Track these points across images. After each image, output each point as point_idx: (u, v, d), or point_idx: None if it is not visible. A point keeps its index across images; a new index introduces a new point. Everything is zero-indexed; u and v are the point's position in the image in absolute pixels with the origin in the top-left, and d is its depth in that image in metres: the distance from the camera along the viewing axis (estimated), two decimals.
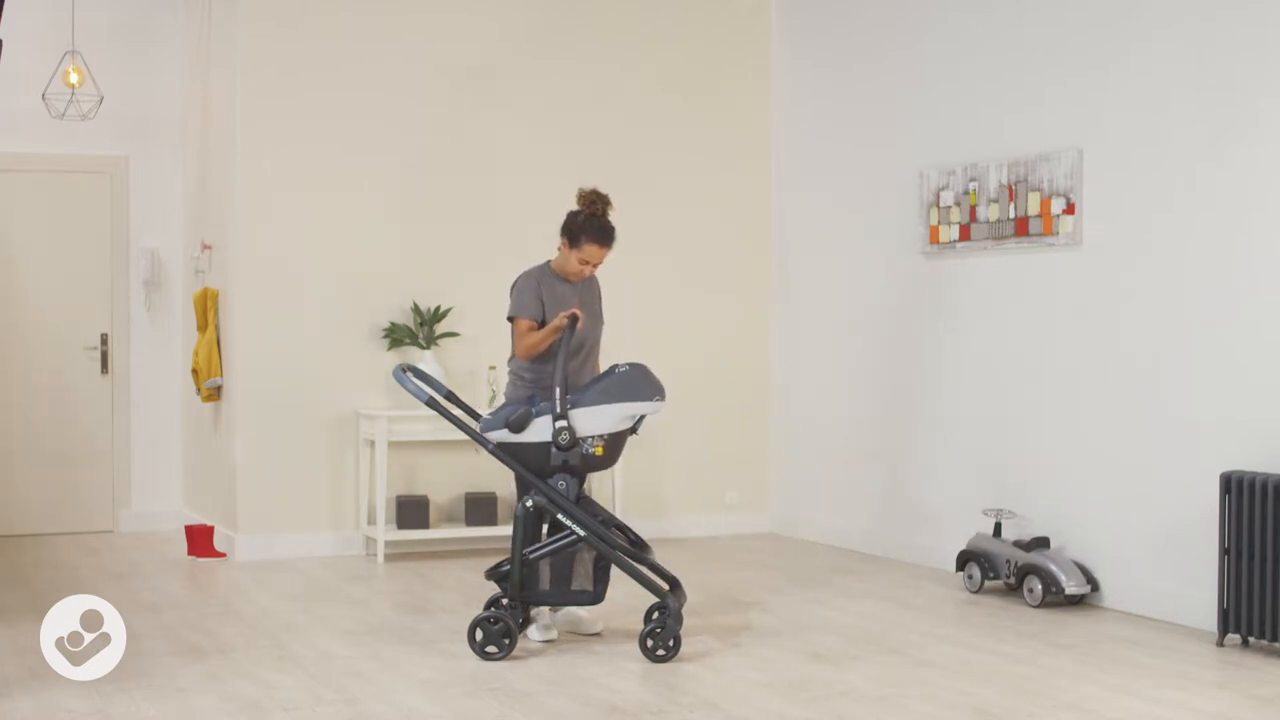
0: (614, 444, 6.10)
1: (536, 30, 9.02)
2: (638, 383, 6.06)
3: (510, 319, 6.30)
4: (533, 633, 6.25)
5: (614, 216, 9.44)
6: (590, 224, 6.23)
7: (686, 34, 9.34)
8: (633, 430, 6.15)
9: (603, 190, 6.34)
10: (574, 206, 6.34)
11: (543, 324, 6.22)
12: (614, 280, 9.09)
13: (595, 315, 6.43)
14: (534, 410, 6.03)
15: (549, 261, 6.41)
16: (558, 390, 5.97)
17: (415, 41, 8.75)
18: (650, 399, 6.07)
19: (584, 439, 6.02)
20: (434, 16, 8.79)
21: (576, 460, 6.02)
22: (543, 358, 6.21)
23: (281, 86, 8.49)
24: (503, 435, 6.06)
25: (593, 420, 6.01)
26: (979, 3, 7.88)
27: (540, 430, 6.02)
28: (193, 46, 9.43)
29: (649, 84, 9.26)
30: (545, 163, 8.98)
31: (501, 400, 8.52)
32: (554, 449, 6.00)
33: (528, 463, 6.05)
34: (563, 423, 5.97)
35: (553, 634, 6.26)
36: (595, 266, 6.30)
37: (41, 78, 9.05)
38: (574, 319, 6.09)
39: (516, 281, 6.34)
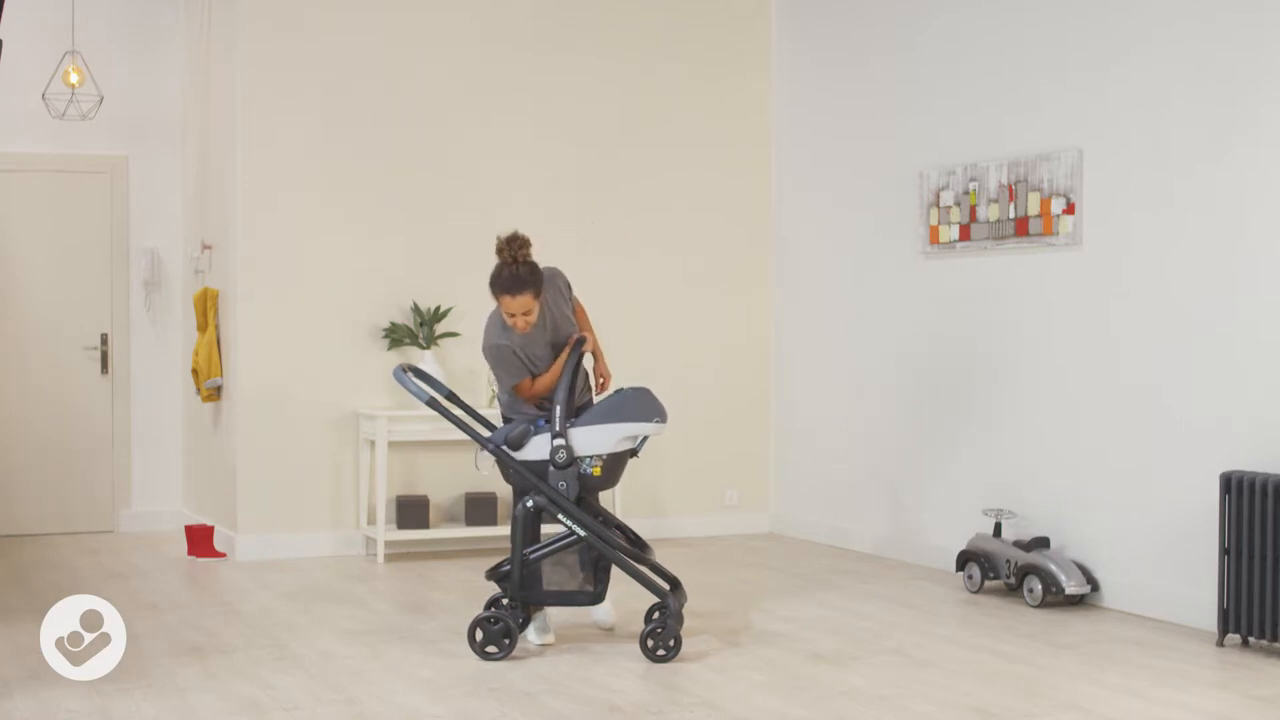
0: (613, 465, 6.08)
1: (536, 28, 9.02)
2: (639, 404, 6.05)
3: (509, 388, 6.16)
4: (530, 635, 6.25)
5: (612, 217, 9.48)
6: (497, 279, 6.02)
7: (687, 33, 9.34)
8: (633, 453, 6.14)
9: (522, 232, 6.11)
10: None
11: (532, 375, 6.12)
12: (614, 279, 9.13)
13: (565, 318, 6.24)
14: (533, 428, 6.04)
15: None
16: (558, 409, 5.98)
17: (415, 41, 8.75)
18: (650, 420, 6.05)
19: (582, 458, 6.02)
20: (434, 16, 8.79)
21: (573, 479, 6.01)
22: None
23: (281, 86, 8.49)
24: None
25: (591, 440, 6.01)
26: (979, 2, 7.87)
27: (538, 448, 6.02)
28: (193, 46, 9.43)
29: (649, 83, 9.26)
30: (547, 162, 8.99)
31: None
32: (551, 467, 6.00)
33: (524, 481, 6.06)
34: (560, 441, 5.97)
35: (549, 637, 6.25)
36: (527, 314, 5.99)
37: (41, 78, 9.05)
38: (581, 340, 6.10)
39: (487, 344, 6.16)
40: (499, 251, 6.05)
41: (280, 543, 8.47)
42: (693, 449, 9.31)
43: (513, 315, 6.01)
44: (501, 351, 6.10)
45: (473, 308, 8.78)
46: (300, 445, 8.55)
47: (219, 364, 8.82)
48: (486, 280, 6.12)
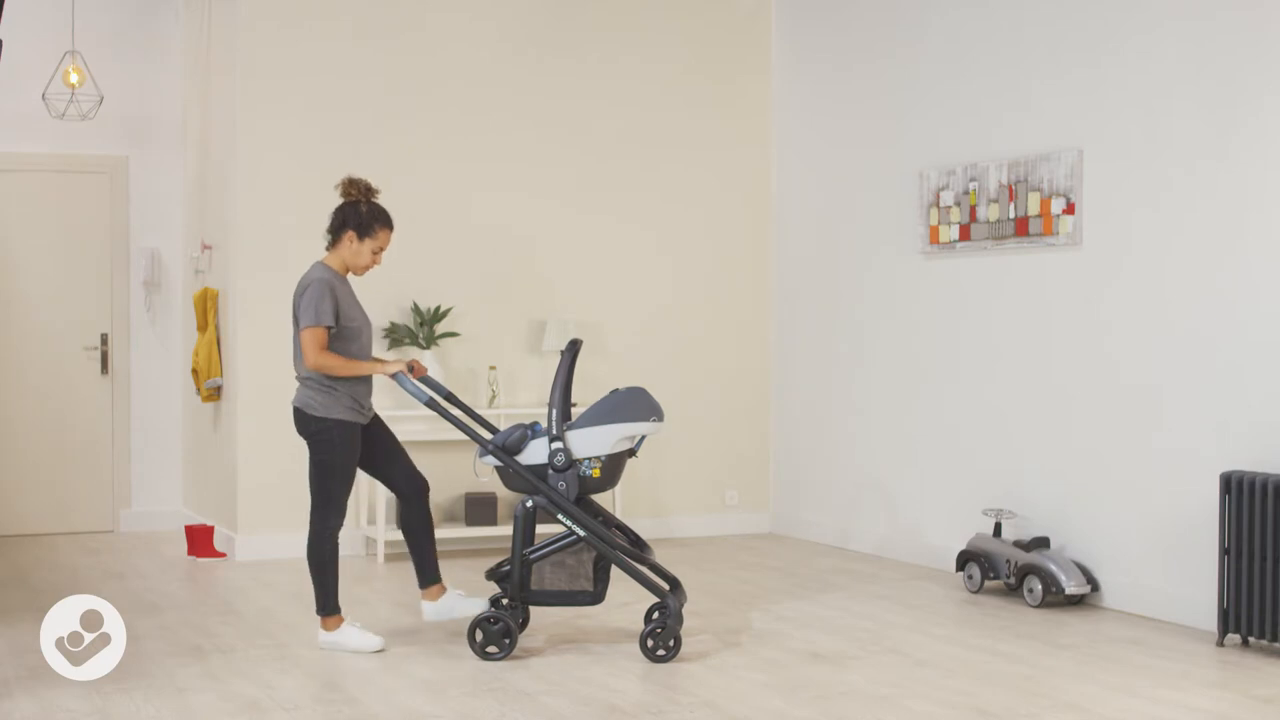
0: (612, 465, 6.08)
1: (537, 31, 9.02)
2: (635, 404, 6.05)
3: (307, 326, 6.08)
4: (358, 641, 6.10)
5: (612, 216, 9.49)
6: (377, 212, 6.16)
7: (687, 33, 9.34)
8: (632, 453, 6.14)
9: (372, 181, 6.29)
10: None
11: (337, 329, 6.06)
12: (613, 278, 9.13)
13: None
14: (530, 432, 6.05)
15: (324, 262, 6.21)
16: (554, 411, 5.98)
17: (414, 42, 8.74)
18: (648, 419, 6.04)
19: (581, 460, 6.02)
20: (434, 17, 8.79)
21: (573, 480, 6.01)
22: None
23: (281, 87, 8.49)
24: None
25: (590, 441, 6.00)
26: (979, 3, 7.88)
27: (537, 452, 6.02)
28: (193, 47, 9.43)
29: (650, 83, 9.26)
30: (546, 161, 8.98)
31: (491, 399, 8.50)
32: (550, 471, 6.00)
33: (524, 483, 6.06)
34: (558, 444, 5.97)
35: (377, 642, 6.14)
36: (384, 251, 6.29)
37: (41, 78, 9.05)
38: (575, 342, 6.11)
39: (308, 287, 6.10)
40: (362, 190, 6.14)
41: (280, 543, 8.46)
42: (693, 449, 9.31)
43: (378, 251, 6.17)
44: (323, 287, 6.04)
45: (473, 308, 8.80)
46: (300, 445, 8.51)
47: (219, 364, 8.81)
48: (353, 225, 6.14)
